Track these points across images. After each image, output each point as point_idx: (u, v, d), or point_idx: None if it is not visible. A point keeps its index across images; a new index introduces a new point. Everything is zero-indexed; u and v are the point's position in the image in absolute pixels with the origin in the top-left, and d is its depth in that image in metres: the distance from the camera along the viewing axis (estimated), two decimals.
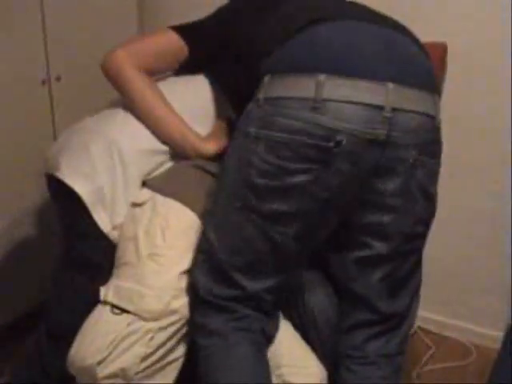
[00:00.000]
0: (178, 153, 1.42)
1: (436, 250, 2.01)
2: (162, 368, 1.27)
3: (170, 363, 1.28)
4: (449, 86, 1.86)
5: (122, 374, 1.22)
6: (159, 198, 1.34)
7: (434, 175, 1.22)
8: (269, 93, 1.13)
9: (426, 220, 1.25)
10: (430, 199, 1.22)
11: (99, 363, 1.21)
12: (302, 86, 1.09)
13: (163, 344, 1.25)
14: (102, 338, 1.22)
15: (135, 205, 1.36)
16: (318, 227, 1.20)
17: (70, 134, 1.45)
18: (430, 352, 1.98)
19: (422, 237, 1.27)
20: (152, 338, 1.23)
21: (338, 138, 1.07)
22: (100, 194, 1.34)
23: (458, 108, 1.87)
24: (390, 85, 1.08)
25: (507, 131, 1.83)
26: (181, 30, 1.45)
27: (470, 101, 1.86)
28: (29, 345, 1.48)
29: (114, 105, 1.49)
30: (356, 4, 1.31)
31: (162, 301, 1.24)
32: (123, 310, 1.25)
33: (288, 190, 1.12)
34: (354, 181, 1.13)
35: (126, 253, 1.31)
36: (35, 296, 1.82)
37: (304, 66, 1.11)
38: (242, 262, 1.20)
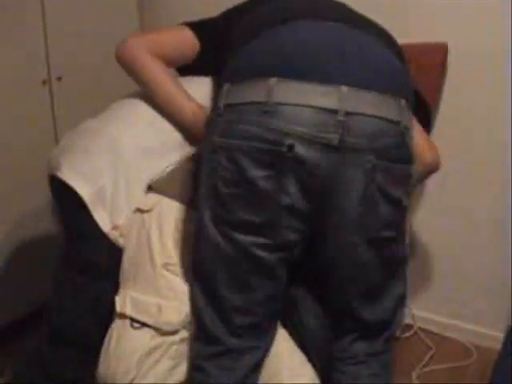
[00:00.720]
0: (188, 136, 1.41)
1: (436, 250, 2.02)
2: None
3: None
4: (449, 86, 1.87)
5: None
6: (165, 202, 1.34)
7: (398, 180, 1.16)
8: (227, 100, 1.12)
9: (393, 224, 1.20)
10: (395, 204, 1.16)
11: (131, 381, 1.21)
12: (255, 91, 1.08)
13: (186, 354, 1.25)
14: (128, 358, 1.22)
15: (142, 211, 1.35)
16: (287, 235, 1.15)
17: (72, 135, 1.45)
18: (431, 352, 1.97)
19: (392, 240, 1.21)
20: (177, 350, 1.25)
21: (288, 141, 1.05)
22: (101, 193, 1.34)
23: (458, 108, 1.88)
24: (344, 88, 1.05)
25: (507, 131, 1.83)
26: (195, 27, 1.45)
27: (470, 101, 1.86)
28: (29, 345, 1.47)
29: (115, 105, 1.49)
30: (335, 5, 1.28)
31: (181, 312, 1.24)
32: (142, 324, 1.25)
33: (251, 199, 1.11)
34: (314, 187, 1.10)
35: (139, 262, 1.31)
36: (35, 296, 1.82)
37: (258, 70, 1.10)
38: (223, 275, 1.18)
